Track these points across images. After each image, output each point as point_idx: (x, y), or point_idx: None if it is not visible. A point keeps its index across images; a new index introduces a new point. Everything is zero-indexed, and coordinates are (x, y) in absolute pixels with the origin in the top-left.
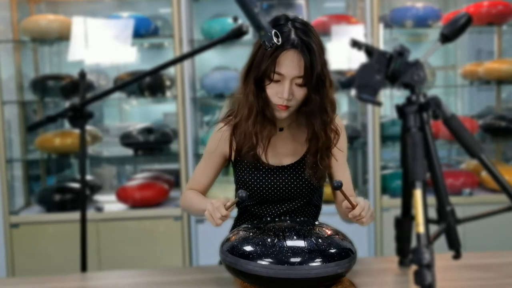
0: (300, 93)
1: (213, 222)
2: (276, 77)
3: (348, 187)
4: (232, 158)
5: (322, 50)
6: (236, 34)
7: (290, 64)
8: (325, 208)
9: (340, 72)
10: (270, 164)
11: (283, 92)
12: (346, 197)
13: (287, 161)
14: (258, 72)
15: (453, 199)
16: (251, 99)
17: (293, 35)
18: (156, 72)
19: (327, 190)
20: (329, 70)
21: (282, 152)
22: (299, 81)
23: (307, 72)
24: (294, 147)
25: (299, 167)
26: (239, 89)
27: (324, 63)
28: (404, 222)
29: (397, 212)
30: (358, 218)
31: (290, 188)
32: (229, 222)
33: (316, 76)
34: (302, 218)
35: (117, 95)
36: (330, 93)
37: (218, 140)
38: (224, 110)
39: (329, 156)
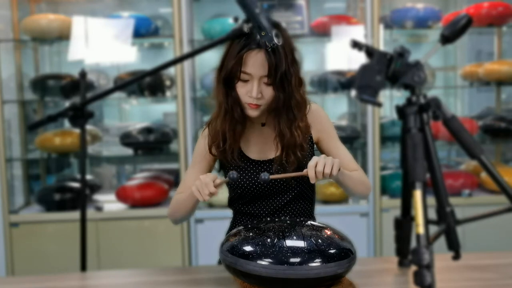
0: (268, 92)
1: (200, 197)
2: (244, 76)
3: (351, 164)
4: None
5: (290, 49)
6: (236, 34)
7: (255, 64)
8: (325, 208)
9: (340, 73)
10: (256, 159)
11: (252, 91)
12: (287, 176)
13: (271, 154)
14: (226, 71)
15: (452, 200)
16: (220, 99)
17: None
18: (156, 72)
19: (326, 190)
20: (299, 69)
21: (265, 146)
22: (266, 80)
23: (271, 71)
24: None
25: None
26: (213, 90)
27: (291, 62)
28: (403, 223)
29: (397, 212)
30: (323, 175)
31: (279, 180)
32: (226, 224)
33: (281, 75)
34: (302, 218)
35: (117, 94)
36: (297, 92)
37: (202, 142)
38: None
39: (296, 154)
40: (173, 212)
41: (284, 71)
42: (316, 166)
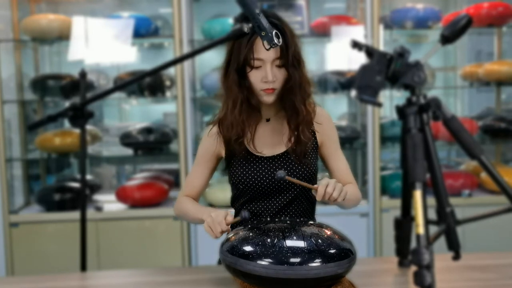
0: (281, 74)
1: (212, 235)
2: (256, 63)
3: (344, 175)
4: (223, 154)
5: (292, 33)
6: (236, 34)
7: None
8: (325, 208)
9: (340, 73)
10: (261, 155)
11: (267, 76)
12: (299, 183)
13: (277, 150)
14: (239, 62)
15: (452, 200)
16: (235, 90)
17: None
18: (156, 72)
19: None
20: (300, 51)
21: (271, 142)
22: (278, 62)
23: (283, 52)
24: (282, 136)
25: (289, 156)
26: (221, 85)
27: (296, 44)
28: (403, 223)
29: (397, 213)
30: (329, 197)
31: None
32: None
33: (292, 55)
34: (301, 219)
35: (117, 94)
36: (305, 72)
37: (208, 142)
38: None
39: (310, 130)
40: (179, 215)
41: (293, 52)
42: (327, 186)
